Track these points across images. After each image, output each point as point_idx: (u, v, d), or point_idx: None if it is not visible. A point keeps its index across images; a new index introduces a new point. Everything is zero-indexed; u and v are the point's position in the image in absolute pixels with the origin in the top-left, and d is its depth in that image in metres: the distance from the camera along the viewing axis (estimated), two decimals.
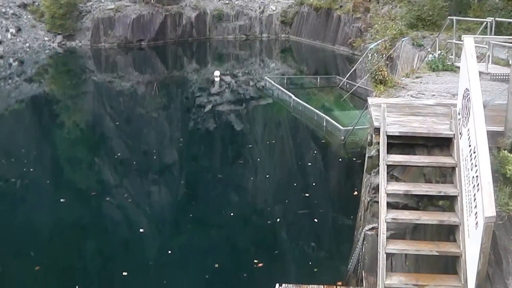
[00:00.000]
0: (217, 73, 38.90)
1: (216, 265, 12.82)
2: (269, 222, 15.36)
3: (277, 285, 9.46)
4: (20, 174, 18.91)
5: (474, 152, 7.61)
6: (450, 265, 8.60)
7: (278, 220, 15.43)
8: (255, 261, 12.75)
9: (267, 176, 19.77)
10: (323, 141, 23.72)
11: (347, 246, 11.94)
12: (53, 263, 13.00)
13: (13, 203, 16.92)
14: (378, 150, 9.07)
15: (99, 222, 15.92)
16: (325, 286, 9.44)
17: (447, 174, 8.96)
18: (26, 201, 17.24)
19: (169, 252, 13.70)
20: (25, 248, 13.72)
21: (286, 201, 16.79)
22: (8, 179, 18.62)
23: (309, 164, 20.54)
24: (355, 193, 15.04)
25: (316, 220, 15.14)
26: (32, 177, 18.89)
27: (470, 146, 7.86)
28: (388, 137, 8.89)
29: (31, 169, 19.54)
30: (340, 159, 20.90)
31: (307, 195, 16.86)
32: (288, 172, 20.34)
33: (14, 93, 35.04)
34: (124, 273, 12.41)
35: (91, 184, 18.68)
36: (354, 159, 19.86)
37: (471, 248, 7.66)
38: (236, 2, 59.05)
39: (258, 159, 21.76)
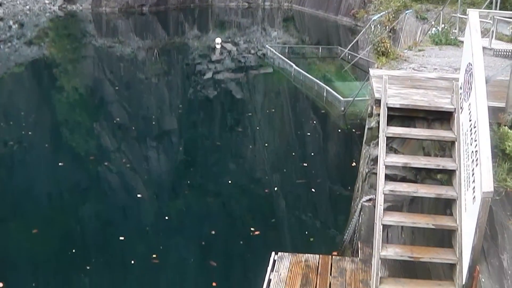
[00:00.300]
0: (218, 40, 38.70)
1: (213, 232, 12.88)
2: (266, 191, 15.41)
3: (273, 253, 9.50)
4: (18, 137, 18.92)
5: (474, 127, 7.59)
6: (445, 238, 8.63)
7: (275, 189, 15.47)
8: (252, 229, 12.81)
9: (266, 144, 19.78)
10: (322, 111, 23.69)
11: (344, 217, 12.00)
12: (50, 226, 13.06)
13: (11, 166, 16.95)
14: (378, 122, 9.04)
15: (97, 186, 15.96)
16: (320, 255, 9.49)
17: (446, 148, 8.94)
18: (25, 164, 17.26)
19: (166, 218, 13.76)
20: (22, 211, 13.77)
21: (284, 170, 16.83)
22: (7, 142, 18.62)
23: (308, 134, 20.56)
24: (353, 164, 15.07)
25: (313, 190, 15.18)
26: (31, 141, 18.90)
27: (470, 120, 7.84)
28: (389, 109, 8.85)
29: (30, 133, 19.54)
30: (339, 130, 20.91)
31: (305, 165, 16.89)
32: (286, 141, 20.36)
33: (14, 56, 34.88)
34: (121, 238, 12.47)
35: (90, 148, 18.70)
36: (353, 130, 19.87)
37: (468, 222, 7.69)
38: None
39: (257, 128, 21.76)
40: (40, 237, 12.42)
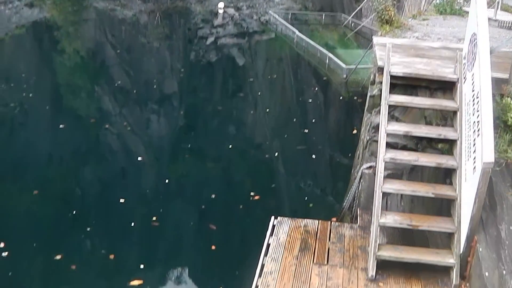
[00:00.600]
0: (221, 4, 38.39)
1: (213, 196, 12.94)
2: (267, 156, 15.45)
3: (273, 218, 9.56)
4: (19, 99, 18.90)
5: (477, 97, 7.59)
6: (444, 208, 8.69)
7: (276, 154, 15.50)
8: (252, 194, 12.87)
9: (267, 110, 19.77)
10: (324, 78, 23.63)
11: (343, 184, 12.04)
12: (51, 188, 13.13)
13: (12, 128, 16.98)
14: (380, 90, 9.03)
15: (97, 149, 16.02)
16: (320, 221, 9.55)
17: (448, 117, 8.95)
18: (25, 126, 17.29)
19: (167, 181, 13.82)
20: (23, 173, 13.83)
21: (285, 136, 16.85)
22: (8, 104, 18.59)
23: (310, 100, 20.54)
24: (354, 131, 15.09)
25: (313, 156, 15.21)
26: (32, 103, 18.88)
27: (473, 91, 7.83)
28: (392, 77, 8.83)
29: (31, 95, 19.51)
30: (341, 97, 20.88)
31: (306, 131, 16.91)
32: (288, 107, 20.35)
33: (15, 18, 34.62)
34: (121, 200, 12.54)
35: (91, 111, 18.69)
36: (355, 98, 19.84)
37: (467, 192, 7.74)
38: None
39: (259, 93, 21.75)
40: (41, 198, 12.49)
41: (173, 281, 10.66)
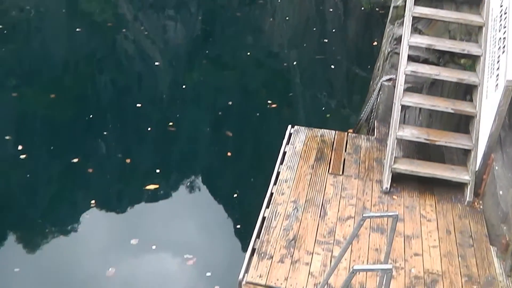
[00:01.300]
0: None
1: (230, 103, 12.91)
2: (284, 64, 15.27)
3: (290, 126, 9.57)
4: (35, 2, 18.58)
5: (505, 13, 7.40)
6: (462, 124, 8.65)
7: (294, 63, 15.32)
8: (269, 102, 12.80)
9: (287, 18, 19.38)
10: None
11: (361, 96, 11.96)
12: (67, 92, 13.11)
13: (28, 32, 16.80)
14: (405, 1, 8.81)
15: (114, 53, 15.91)
16: (336, 131, 9.55)
17: (472, 33, 8.75)
18: (41, 30, 17.11)
19: (183, 86, 13.77)
20: (40, 77, 13.80)
21: (304, 45, 16.61)
22: (23, 7, 18.32)
23: (330, 10, 20.05)
24: (375, 43, 14.84)
25: (332, 66, 15.04)
26: (48, 6, 18.59)
27: (501, 6, 7.62)
28: None
29: None
30: (362, 8, 20.38)
31: (326, 41, 16.64)
32: (307, 16, 19.93)
33: None
34: (138, 105, 12.55)
35: (107, 15, 18.40)
36: (376, 9, 19.34)
37: (487, 109, 7.67)
38: None
39: (278, 1, 21.28)
40: (58, 102, 12.50)
41: (188, 187, 10.81)
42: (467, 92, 8.59)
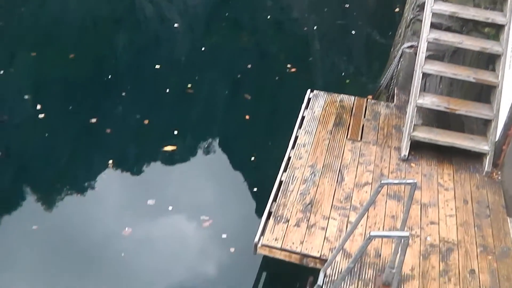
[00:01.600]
0: None
1: (249, 66, 12.81)
2: (305, 29, 15.10)
3: (309, 91, 9.53)
4: None
5: None
6: (483, 94, 8.57)
7: (314, 28, 15.15)
8: (288, 66, 12.70)
9: None
10: None
11: (381, 63, 11.84)
12: (86, 52, 13.01)
13: None
14: None
15: (132, 14, 15.76)
16: (356, 97, 9.50)
17: (497, 1, 8.60)
18: None
19: (202, 49, 13.68)
20: (58, 37, 13.74)
21: (325, 9, 16.39)
22: None
23: None
24: (397, 10, 14.62)
25: (353, 32, 14.86)
26: None
27: None
28: None
29: None
30: None
31: (347, 6, 16.40)
32: None
33: None
34: (157, 66, 12.52)
35: None
36: None
37: (510, 79, 7.58)
38: None
39: None
40: (76, 62, 12.47)
41: (205, 149, 10.81)
42: (489, 61, 8.48)
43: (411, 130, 8.11)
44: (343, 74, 12.99)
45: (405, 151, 8.12)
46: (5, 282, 7.64)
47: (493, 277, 6.53)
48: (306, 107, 9.15)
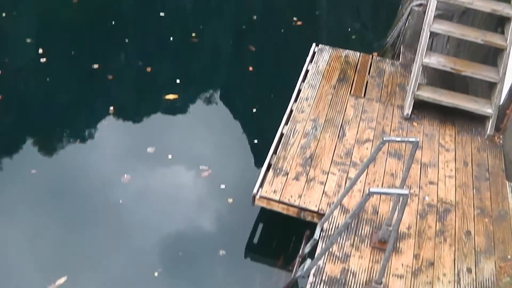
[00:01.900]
0: None
1: (254, 17, 12.52)
2: None
3: (314, 44, 9.45)
4: None
5: None
6: (490, 57, 8.47)
7: None
8: (294, 19, 12.53)
9: None
10: None
11: (387, 20, 11.71)
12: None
13: None
14: None
15: None
16: (361, 53, 9.41)
17: None
18: None
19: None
20: None
21: None
22: None
23: None
24: None
25: None
26: None
27: None
28: None
29: None
30: None
31: None
32: None
33: None
34: (162, 14, 12.31)
35: None
36: None
37: None
38: None
39: None
40: (80, 6, 12.26)
41: (207, 99, 10.75)
42: (499, 24, 8.36)
43: (415, 89, 8.05)
44: (349, 29, 12.83)
45: (408, 110, 8.08)
46: (1, 226, 7.65)
47: (489, 239, 6.57)
48: (311, 61, 9.08)
